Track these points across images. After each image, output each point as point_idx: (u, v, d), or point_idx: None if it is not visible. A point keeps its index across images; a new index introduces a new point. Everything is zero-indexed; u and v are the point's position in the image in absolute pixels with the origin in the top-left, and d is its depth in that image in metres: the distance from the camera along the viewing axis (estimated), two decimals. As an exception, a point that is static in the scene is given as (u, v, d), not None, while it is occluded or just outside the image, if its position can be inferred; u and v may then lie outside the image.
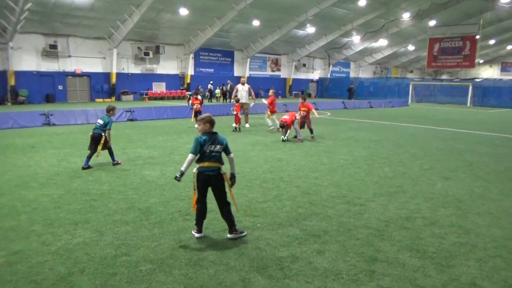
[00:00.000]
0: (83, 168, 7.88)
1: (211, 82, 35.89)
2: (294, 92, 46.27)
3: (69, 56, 29.52)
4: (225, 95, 34.64)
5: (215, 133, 4.60)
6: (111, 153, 8.30)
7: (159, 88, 35.32)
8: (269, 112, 14.42)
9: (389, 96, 42.14)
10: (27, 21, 25.33)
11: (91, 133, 8.19)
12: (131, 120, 17.58)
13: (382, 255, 4.17)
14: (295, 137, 12.04)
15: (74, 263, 3.91)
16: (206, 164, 4.51)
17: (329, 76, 49.22)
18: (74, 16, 26.52)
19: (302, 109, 12.37)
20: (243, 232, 4.64)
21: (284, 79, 46.13)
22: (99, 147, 8.05)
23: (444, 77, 59.47)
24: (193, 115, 14.83)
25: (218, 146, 4.54)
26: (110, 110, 8.40)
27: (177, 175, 4.50)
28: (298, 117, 12.11)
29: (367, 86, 46.47)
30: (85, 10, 26.01)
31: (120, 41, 30.06)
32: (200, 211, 4.60)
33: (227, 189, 4.68)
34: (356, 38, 42.79)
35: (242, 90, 15.24)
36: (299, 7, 31.38)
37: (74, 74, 30.14)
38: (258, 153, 9.84)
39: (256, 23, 33.07)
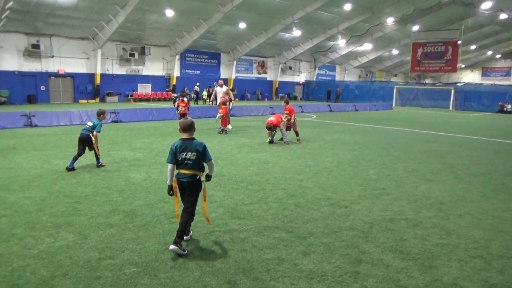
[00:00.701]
0: (67, 169, 7.76)
1: (198, 84, 35.77)
2: (280, 94, 46.46)
3: (52, 56, 29.02)
4: (210, 97, 34.54)
5: (191, 139, 4.34)
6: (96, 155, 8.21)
7: (144, 89, 35.01)
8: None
9: (374, 99, 42.73)
10: (8, 20, 24.84)
11: (79, 135, 8.06)
12: (116, 121, 17.37)
13: (366, 257, 4.22)
14: (281, 139, 12.09)
15: (56, 266, 3.84)
16: (181, 171, 4.34)
17: (315, 79, 49.63)
18: (58, 15, 26.09)
19: (285, 112, 12.46)
20: (185, 251, 4.16)
21: (271, 82, 46.30)
22: (95, 147, 8.01)
23: (427, 81, 60.60)
24: (178, 118, 14.82)
25: (190, 154, 4.26)
26: (101, 114, 8.32)
27: (168, 191, 4.43)
28: (284, 119, 12.17)
29: (353, 89, 47.04)
30: (69, 9, 25.62)
31: (104, 41, 29.71)
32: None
33: (200, 200, 4.46)
34: (341, 42, 43.29)
35: (220, 92, 15.34)
36: (285, 10, 31.58)
37: (57, 75, 29.63)
38: (245, 155, 9.85)
39: (242, 25, 33.13)
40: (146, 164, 8.61)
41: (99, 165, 8.19)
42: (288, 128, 12.37)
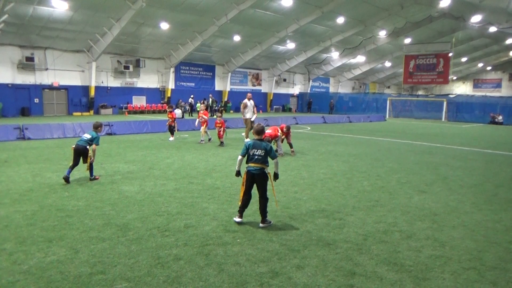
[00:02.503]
0: (64, 178, 7.70)
1: (192, 96, 35.85)
2: (275, 106, 46.68)
3: (46, 69, 28.99)
4: (206, 109, 34.59)
5: (261, 140, 5.70)
6: (91, 168, 8.12)
7: (139, 101, 35.01)
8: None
9: (367, 111, 43.08)
10: (2, 33, 24.86)
11: (73, 146, 7.96)
12: (110, 134, 17.30)
13: (360, 269, 4.20)
14: (276, 151, 12.09)
15: (47, 282, 3.78)
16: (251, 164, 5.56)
17: (309, 91, 49.98)
18: (52, 28, 26.16)
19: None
20: (270, 222, 5.64)
21: (265, 94, 46.53)
22: (88, 160, 7.89)
23: (420, 92, 61.27)
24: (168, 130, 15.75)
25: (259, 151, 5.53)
26: (98, 127, 8.40)
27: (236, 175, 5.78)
28: (279, 132, 12.18)
29: (346, 101, 47.43)
30: (63, 22, 25.71)
31: (99, 54, 29.77)
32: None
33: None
34: (335, 54, 43.76)
35: (250, 105, 15.82)
36: (279, 23, 31.95)
37: (51, 87, 29.55)
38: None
39: (237, 38, 33.42)
40: (140, 177, 8.57)
41: (92, 178, 8.12)
42: (281, 140, 12.41)
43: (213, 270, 4.12)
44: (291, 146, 12.40)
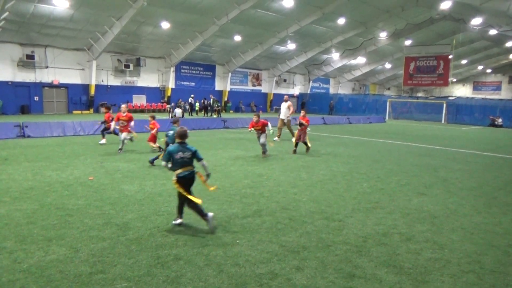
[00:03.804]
0: (150, 162, 9.55)
1: (192, 95, 35.86)
2: (275, 106, 46.68)
3: (47, 67, 28.98)
4: (206, 109, 34.63)
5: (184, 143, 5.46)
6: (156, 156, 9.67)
7: (139, 100, 35.00)
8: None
9: (367, 112, 43.09)
10: (3, 31, 24.84)
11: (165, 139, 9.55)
12: (109, 133, 17.24)
13: (360, 271, 4.21)
14: (306, 144, 12.58)
15: (47, 281, 3.79)
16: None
17: (309, 92, 49.99)
18: (53, 26, 26.14)
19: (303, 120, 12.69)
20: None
21: (265, 94, 46.54)
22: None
23: (420, 94, 61.32)
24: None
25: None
26: (176, 122, 10.03)
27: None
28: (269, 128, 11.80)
29: (346, 102, 47.43)
30: (64, 21, 25.69)
31: (100, 53, 29.76)
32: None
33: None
34: (335, 55, 43.77)
35: (283, 107, 16.27)
36: (280, 23, 31.95)
37: (51, 85, 29.53)
38: (239, 168, 9.85)
39: (237, 38, 33.42)
40: (140, 176, 8.57)
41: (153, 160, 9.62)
42: (298, 138, 12.60)
43: (212, 270, 4.13)
44: (305, 144, 12.72)
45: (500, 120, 34.64)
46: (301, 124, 12.60)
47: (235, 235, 5.17)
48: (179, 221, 5.48)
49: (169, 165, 5.40)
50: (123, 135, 11.97)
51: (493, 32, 35.03)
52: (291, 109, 16.48)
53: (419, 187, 8.37)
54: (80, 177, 8.22)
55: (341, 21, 32.40)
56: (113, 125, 12.73)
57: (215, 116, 31.48)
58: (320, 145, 15.43)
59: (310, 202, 6.92)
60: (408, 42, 41.28)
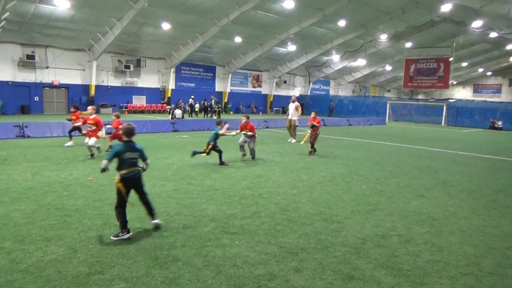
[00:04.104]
0: (220, 164, 10.04)
1: (192, 96, 35.88)
2: (275, 108, 46.70)
3: (47, 67, 29.01)
4: (207, 110, 34.64)
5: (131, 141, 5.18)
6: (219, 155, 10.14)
7: (139, 101, 35.03)
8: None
9: (367, 114, 43.11)
10: (4, 31, 24.86)
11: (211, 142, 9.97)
12: (109, 133, 17.25)
13: (358, 273, 4.21)
14: (243, 155, 11.54)
15: (45, 281, 3.79)
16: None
17: (309, 94, 50.01)
18: (54, 27, 26.18)
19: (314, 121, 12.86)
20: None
21: (265, 95, 46.57)
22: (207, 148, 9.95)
23: (420, 97, 61.37)
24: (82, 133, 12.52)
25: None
26: (219, 123, 10.24)
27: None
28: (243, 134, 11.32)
29: (346, 104, 47.45)
30: (65, 21, 25.73)
31: (100, 53, 29.80)
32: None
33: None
34: (335, 57, 43.82)
35: (291, 108, 16.44)
36: (280, 25, 32.00)
37: (51, 86, 29.56)
38: (238, 169, 9.85)
39: (238, 39, 33.47)
40: (139, 177, 8.54)
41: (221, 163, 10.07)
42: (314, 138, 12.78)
43: (211, 271, 4.13)
44: (312, 145, 12.80)
45: (500, 122, 34.65)
46: (313, 126, 12.81)
47: (234, 236, 5.16)
48: (126, 236, 4.91)
49: (108, 167, 5.06)
50: (90, 141, 10.66)
51: (493, 35, 35.09)
52: (299, 110, 16.72)
53: (419, 189, 8.37)
54: (79, 178, 8.22)
55: (342, 23, 32.46)
56: (102, 132, 11.48)
57: (215, 117, 31.49)
58: (320, 146, 15.42)
59: (309, 203, 6.91)
60: (408, 44, 41.33)
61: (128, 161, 5.05)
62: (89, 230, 5.19)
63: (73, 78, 30.58)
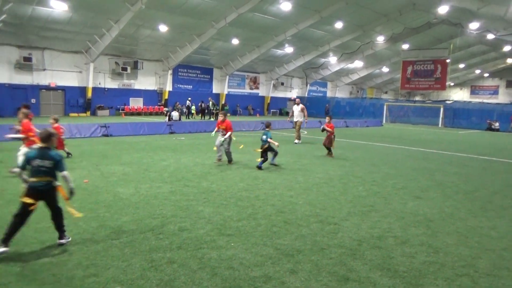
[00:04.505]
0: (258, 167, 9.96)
1: (189, 98, 35.85)
2: (272, 110, 46.71)
3: (44, 70, 28.93)
4: (204, 112, 34.63)
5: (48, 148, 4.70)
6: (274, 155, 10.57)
7: (136, 103, 34.97)
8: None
9: (364, 116, 43.15)
10: (1, 33, 24.80)
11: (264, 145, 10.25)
12: (106, 135, 17.27)
13: (354, 275, 4.20)
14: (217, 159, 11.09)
15: (39, 284, 3.77)
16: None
17: (306, 95, 50.05)
18: (51, 29, 26.13)
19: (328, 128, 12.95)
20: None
21: (263, 97, 46.57)
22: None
23: (417, 98, 61.50)
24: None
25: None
26: (269, 125, 10.72)
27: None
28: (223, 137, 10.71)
29: (344, 106, 47.49)
30: (62, 23, 25.69)
31: (97, 55, 29.76)
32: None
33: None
34: (333, 59, 43.89)
35: (296, 110, 16.93)
36: (277, 27, 32.05)
37: (48, 88, 29.48)
38: (235, 171, 9.83)
39: (235, 41, 33.49)
40: (135, 179, 8.54)
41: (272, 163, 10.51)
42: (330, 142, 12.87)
43: (206, 274, 4.11)
44: (329, 149, 12.96)
45: (497, 124, 34.75)
46: (323, 130, 13.21)
47: (230, 238, 5.15)
48: (2, 249, 4.40)
49: (24, 176, 4.58)
50: (21, 152, 8.56)
51: (490, 36, 35.25)
52: (305, 112, 17.16)
53: (415, 191, 8.37)
54: (75, 180, 8.15)
55: (339, 25, 32.54)
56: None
57: (212, 119, 31.48)
58: (317, 148, 15.44)
59: (306, 205, 6.91)
60: (405, 46, 41.46)
61: (37, 169, 4.53)
62: (84, 233, 5.17)
63: (70, 80, 30.50)
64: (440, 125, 38.50)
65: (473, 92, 64.44)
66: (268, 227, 5.64)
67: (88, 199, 6.77)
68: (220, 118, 11.05)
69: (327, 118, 13.69)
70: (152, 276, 4.02)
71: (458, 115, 39.00)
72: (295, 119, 17.08)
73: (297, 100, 17.98)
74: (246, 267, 4.28)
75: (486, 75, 60.69)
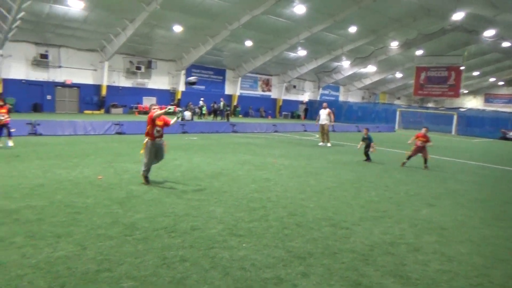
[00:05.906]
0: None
1: (202, 99, 36.02)
2: (283, 112, 46.68)
3: (60, 67, 29.38)
4: (216, 112, 34.74)
5: None
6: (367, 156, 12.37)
7: (149, 102, 35.23)
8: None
9: (376, 121, 42.82)
10: (19, 30, 25.24)
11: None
12: (120, 133, 17.46)
13: (366, 280, 4.18)
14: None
15: (54, 277, 3.83)
16: None
17: (318, 99, 49.90)
18: (67, 27, 26.54)
19: (421, 139, 12.65)
20: None
21: (275, 100, 46.59)
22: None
23: (430, 105, 60.89)
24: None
25: None
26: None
27: None
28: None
29: (356, 111, 47.21)
30: (78, 22, 26.08)
31: (112, 54, 30.11)
32: None
33: None
34: (345, 63, 43.71)
35: (323, 114, 17.41)
36: (291, 30, 32.05)
37: (63, 85, 29.92)
38: (246, 173, 9.86)
39: (248, 43, 33.58)
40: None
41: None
42: (418, 153, 12.61)
43: (218, 273, 4.13)
44: (425, 161, 12.54)
45: (511, 133, 34.20)
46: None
47: (241, 239, 5.17)
48: None
49: None
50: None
51: (506, 44, 34.75)
52: (332, 116, 17.64)
53: (428, 198, 8.29)
54: (89, 176, 8.30)
55: (352, 29, 32.41)
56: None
57: (224, 120, 31.58)
58: (329, 152, 15.39)
59: (317, 208, 6.89)
60: (419, 52, 41.09)
61: None
62: (98, 228, 5.24)
63: (85, 78, 30.92)
64: (453, 133, 38.01)
65: (487, 100, 63.58)
66: (280, 229, 5.64)
67: (102, 195, 6.86)
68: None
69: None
70: (164, 273, 4.06)
71: (472, 123, 38.46)
72: (321, 123, 17.47)
73: (324, 104, 18.40)
74: (258, 268, 4.30)
75: (500, 83, 59.84)
